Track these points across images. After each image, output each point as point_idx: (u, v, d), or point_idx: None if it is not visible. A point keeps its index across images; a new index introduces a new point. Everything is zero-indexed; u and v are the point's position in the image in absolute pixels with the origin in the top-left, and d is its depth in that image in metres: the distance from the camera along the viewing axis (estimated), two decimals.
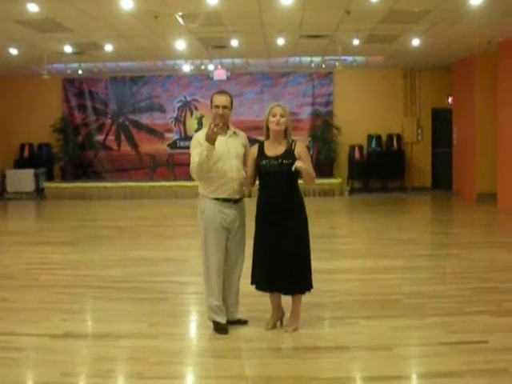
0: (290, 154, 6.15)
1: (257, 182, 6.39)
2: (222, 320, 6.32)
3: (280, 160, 6.12)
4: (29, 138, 21.73)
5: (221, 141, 6.19)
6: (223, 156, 6.19)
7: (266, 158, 6.17)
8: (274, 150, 6.21)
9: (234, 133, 6.41)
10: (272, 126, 6.20)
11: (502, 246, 11.08)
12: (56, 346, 6.01)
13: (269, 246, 6.16)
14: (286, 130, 6.26)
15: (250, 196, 6.84)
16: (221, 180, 6.20)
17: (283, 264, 6.11)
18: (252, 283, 6.37)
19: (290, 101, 21.17)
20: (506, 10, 11.91)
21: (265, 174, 6.16)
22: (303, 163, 6.03)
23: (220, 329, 6.27)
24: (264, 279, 6.25)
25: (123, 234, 13.50)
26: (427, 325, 6.44)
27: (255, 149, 6.30)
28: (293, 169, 5.97)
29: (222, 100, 6.30)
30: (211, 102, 6.36)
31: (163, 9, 11.82)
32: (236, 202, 6.30)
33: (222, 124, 6.05)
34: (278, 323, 6.46)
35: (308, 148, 20.19)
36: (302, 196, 6.33)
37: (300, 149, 6.23)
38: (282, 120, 6.16)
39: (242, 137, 6.48)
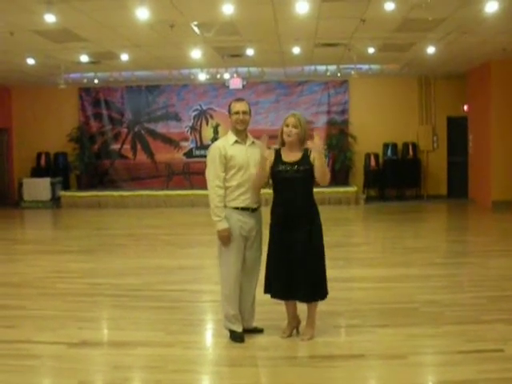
0: (306, 161, 6.18)
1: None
2: (238, 328, 6.33)
3: (296, 166, 6.15)
4: (45, 147, 21.88)
5: (241, 150, 6.26)
6: (243, 165, 6.24)
7: (283, 163, 6.20)
8: (290, 156, 6.24)
9: (253, 142, 6.44)
10: (284, 136, 6.25)
11: None
12: (73, 354, 6.03)
13: (284, 253, 6.17)
14: (302, 139, 6.28)
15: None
16: (240, 189, 6.22)
17: (299, 272, 6.11)
18: (265, 292, 6.38)
19: (306, 109, 21.17)
20: None
21: (281, 180, 6.16)
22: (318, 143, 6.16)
23: (236, 337, 6.28)
24: (279, 287, 6.26)
25: (139, 242, 13.54)
26: (443, 333, 6.43)
27: (272, 154, 6.32)
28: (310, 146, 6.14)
29: (241, 106, 6.34)
30: (229, 110, 6.39)
31: (179, 18, 11.87)
32: (254, 210, 6.33)
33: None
34: (294, 332, 6.47)
35: (324, 156, 20.20)
36: (316, 203, 6.34)
37: (314, 153, 6.24)
38: (294, 131, 6.18)
39: (260, 146, 6.50)
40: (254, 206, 6.32)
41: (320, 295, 6.28)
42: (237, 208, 6.22)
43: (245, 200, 6.24)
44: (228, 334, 6.37)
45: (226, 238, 6.17)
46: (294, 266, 6.13)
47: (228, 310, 6.31)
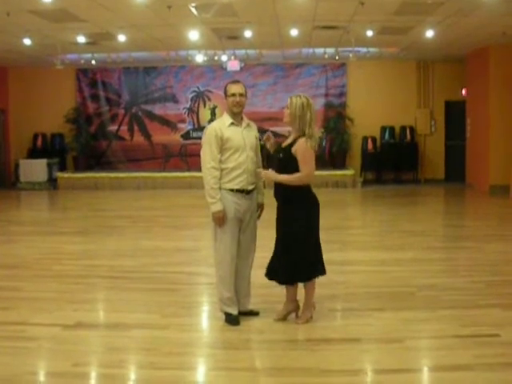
0: (288, 149, 6.13)
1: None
2: (234, 311, 6.33)
3: (280, 153, 6.19)
4: (42, 128, 21.81)
5: (237, 132, 6.25)
6: (239, 147, 6.21)
7: (279, 146, 6.26)
8: (288, 139, 6.25)
9: (248, 124, 6.42)
10: None
11: None
12: (68, 335, 6.04)
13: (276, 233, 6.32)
14: (299, 123, 6.13)
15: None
16: (236, 171, 6.20)
17: (276, 252, 6.26)
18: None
19: (303, 92, 20.61)
20: None
21: (268, 159, 6.30)
22: (270, 174, 6.15)
23: (232, 320, 6.28)
24: (268, 267, 6.38)
25: (136, 224, 13.53)
26: (439, 317, 6.43)
27: (271, 137, 6.42)
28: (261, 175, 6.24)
29: (237, 88, 6.32)
30: (225, 92, 6.37)
31: None
32: (249, 192, 6.31)
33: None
34: (292, 316, 6.44)
35: (321, 139, 20.17)
36: (304, 188, 6.18)
37: (297, 146, 6.08)
38: (286, 112, 6.20)
39: (255, 129, 6.50)
40: (249, 187, 6.30)
41: (297, 278, 6.27)
42: (232, 190, 6.21)
43: (240, 182, 6.22)
44: (223, 316, 6.36)
45: (220, 220, 6.15)
46: (275, 247, 6.27)
47: (223, 292, 6.30)
